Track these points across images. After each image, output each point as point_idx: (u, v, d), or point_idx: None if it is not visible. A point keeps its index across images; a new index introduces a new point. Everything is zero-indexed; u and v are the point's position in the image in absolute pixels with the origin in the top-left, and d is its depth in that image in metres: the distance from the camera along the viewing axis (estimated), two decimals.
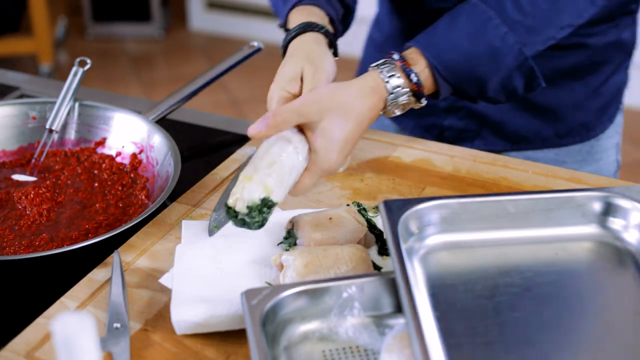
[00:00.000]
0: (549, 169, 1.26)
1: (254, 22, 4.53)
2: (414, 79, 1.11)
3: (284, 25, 1.28)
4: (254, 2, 4.51)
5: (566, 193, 1.03)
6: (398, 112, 1.14)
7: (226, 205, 1.00)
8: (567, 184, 1.22)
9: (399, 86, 1.11)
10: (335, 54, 1.22)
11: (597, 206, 1.03)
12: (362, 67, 1.63)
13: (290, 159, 1.02)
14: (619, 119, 1.49)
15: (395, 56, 1.12)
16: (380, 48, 1.54)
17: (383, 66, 1.12)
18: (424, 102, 1.14)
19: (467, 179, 1.24)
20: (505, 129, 1.44)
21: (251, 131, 1.04)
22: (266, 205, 0.99)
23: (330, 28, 1.23)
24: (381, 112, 1.13)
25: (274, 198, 1.00)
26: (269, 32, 4.39)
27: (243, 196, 0.98)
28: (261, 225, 1.00)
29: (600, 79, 1.42)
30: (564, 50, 1.31)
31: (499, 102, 1.20)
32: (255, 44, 1.47)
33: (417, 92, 1.12)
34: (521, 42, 1.13)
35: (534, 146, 1.45)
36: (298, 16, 1.23)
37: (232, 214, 1.00)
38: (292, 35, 1.20)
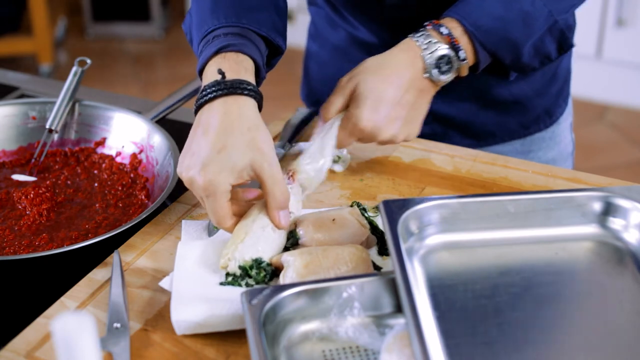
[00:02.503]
0: (549, 169, 1.26)
1: None
2: (444, 31, 1.12)
3: (201, 72, 1.08)
4: None
5: (566, 193, 1.04)
6: (444, 77, 1.14)
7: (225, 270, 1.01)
8: (567, 184, 1.22)
9: (430, 41, 1.12)
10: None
11: (597, 206, 1.03)
12: (308, 83, 1.58)
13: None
14: (570, 100, 1.54)
15: (428, 26, 1.15)
16: (326, 64, 1.52)
17: (412, 35, 1.15)
18: (465, 61, 1.14)
19: (467, 179, 1.24)
20: (472, 128, 1.45)
21: (328, 113, 1.14)
22: (259, 264, 1.00)
23: (254, 80, 1.07)
24: (425, 75, 1.13)
25: (266, 258, 1.01)
26: None
27: (235, 256, 1.00)
28: (264, 279, 1.00)
29: (555, 64, 1.44)
30: None
31: (533, 69, 1.22)
32: None
33: (452, 44, 1.13)
34: (550, 6, 1.16)
35: (502, 140, 1.46)
36: (212, 69, 1.05)
37: (231, 279, 1.00)
38: (214, 95, 1.02)
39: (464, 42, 1.14)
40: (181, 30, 4.69)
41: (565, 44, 1.21)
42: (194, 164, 0.99)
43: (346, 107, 1.16)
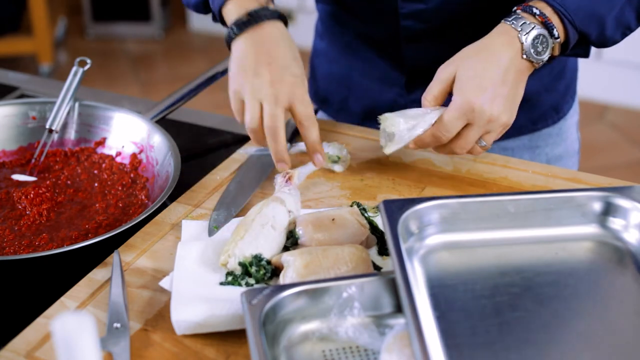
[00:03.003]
0: (549, 169, 1.26)
1: None
2: (537, 12, 1.14)
3: (219, 15, 1.25)
4: None
5: (566, 193, 1.03)
6: (541, 57, 1.16)
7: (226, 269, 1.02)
8: (567, 184, 1.22)
9: (524, 22, 1.14)
10: None
11: (597, 206, 1.03)
12: (316, 80, 1.58)
13: (282, 219, 1.06)
14: (576, 98, 1.55)
15: (518, 9, 1.17)
16: (333, 61, 1.52)
17: (504, 19, 1.17)
18: (558, 39, 1.16)
19: (467, 179, 1.24)
20: None
21: (428, 101, 1.16)
22: (259, 261, 1.00)
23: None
24: (524, 56, 1.15)
25: (266, 255, 1.02)
26: None
27: (234, 252, 1.00)
28: (264, 277, 1.01)
29: (562, 62, 1.46)
30: None
31: (614, 43, 1.23)
32: None
33: (545, 23, 1.15)
34: None
35: (511, 135, 1.46)
36: (240, 3, 1.20)
37: (231, 278, 1.00)
38: (248, 25, 1.17)
39: (555, 21, 1.16)
40: (181, 30, 4.72)
41: None
42: (279, 70, 1.15)
43: (446, 95, 1.17)
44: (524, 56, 1.15)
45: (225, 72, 1.44)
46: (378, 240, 1.07)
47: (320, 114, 1.57)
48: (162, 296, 1.00)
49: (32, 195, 1.21)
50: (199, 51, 4.51)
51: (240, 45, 1.17)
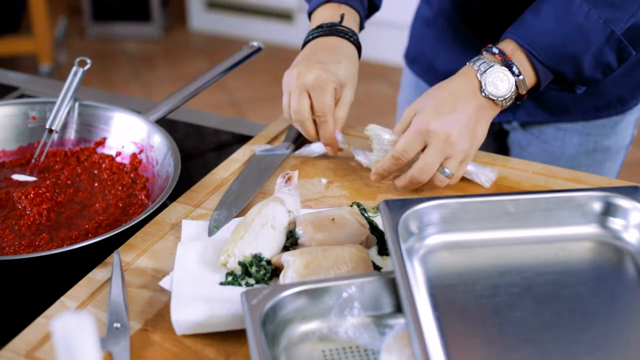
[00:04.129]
0: (549, 169, 1.26)
1: (254, 22, 4.54)
2: (495, 51, 1.18)
3: (311, 13, 1.35)
4: (254, 2, 4.52)
5: (566, 193, 1.04)
6: (502, 93, 1.17)
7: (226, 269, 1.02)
8: (567, 184, 1.22)
9: (483, 62, 1.18)
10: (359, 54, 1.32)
11: (597, 206, 1.03)
12: (411, 43, 1.67)
13: (282, 219, 1.07)
14: None
15: (483, 50, 1.20)
16: (429, 24, 1.59)
17: (469, 61, 1.21)
18: (520, 76, 1.17)
19: (467, 179, 1.24)
20: (549, 100, 1.48)
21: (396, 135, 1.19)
22: (259, 261, 1.01)
23: (357, 29, 1.33)
24: (483, 94, 1.17)
25: (266, 254, 1.02)
26: (268, 32, 4.39)
27: (234, 252, 1.01)
28: (264, 277, 1.01)
29: (636, 58, 1.46)
30: None
31: (597, 82, 1.24)
32: (255, 43, 1.47)
33: (504, 61, 1.17)
34: (605, 17, 1.18)
35: (575, 118, 1.49)
36: (328, 12, 1.31)
37: (231, 279, 1.00)
38: (318, 34, 1.28)
39: (521, 60, 1.18)
40: (181, 30, 4.72)
41: (624, 53, 1.22)
42: (312, 63, 1.23)
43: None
44: (483, 93, 1.17)
45: (225, 72, 1.44)
46: (378, 240, 1.07)
47: (408, 73, 1.67)
48: (162, 296, 1.00)
49: (32, 195, 1.21)
50: (199, 51, 4.51)
51: (304, 49, 1.29)
